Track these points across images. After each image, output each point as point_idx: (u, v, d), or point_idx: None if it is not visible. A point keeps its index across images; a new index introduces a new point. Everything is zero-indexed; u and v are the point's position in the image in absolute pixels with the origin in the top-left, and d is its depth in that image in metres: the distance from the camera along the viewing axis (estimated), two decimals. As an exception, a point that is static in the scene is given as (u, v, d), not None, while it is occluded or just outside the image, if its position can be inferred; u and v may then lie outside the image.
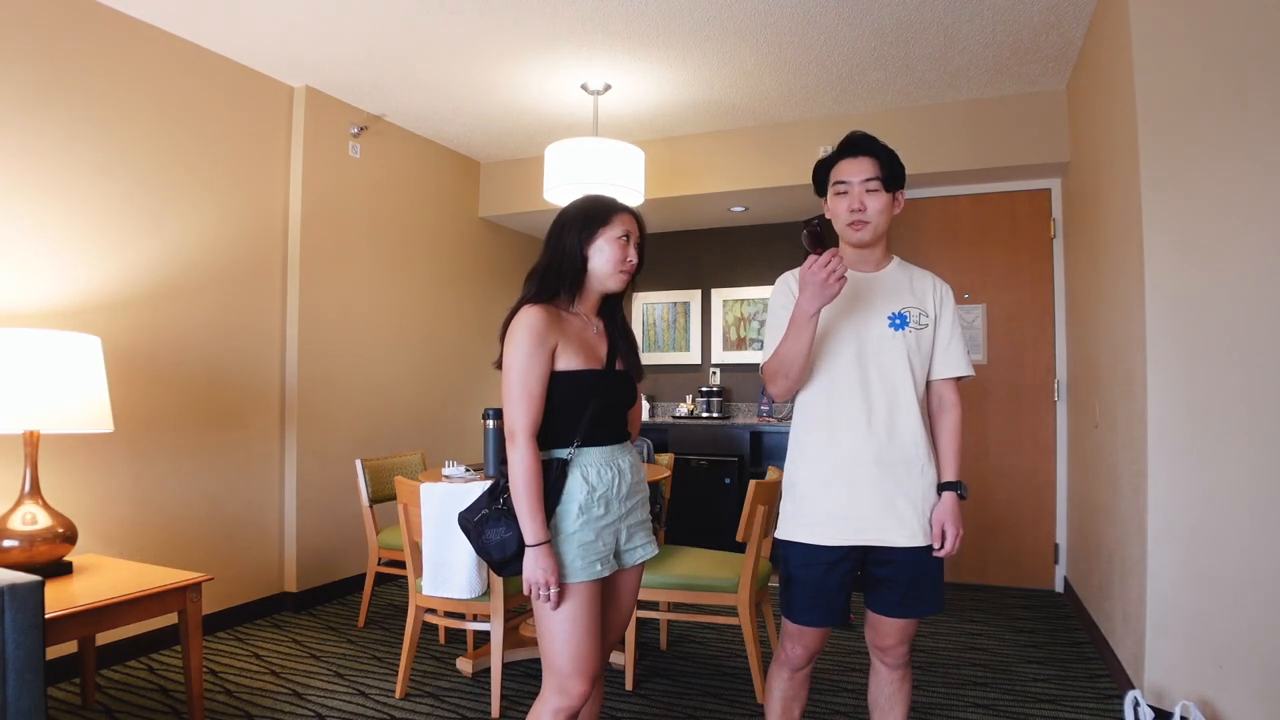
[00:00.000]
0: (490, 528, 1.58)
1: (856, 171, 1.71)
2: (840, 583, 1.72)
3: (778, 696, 1.84)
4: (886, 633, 1.76)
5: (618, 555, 1.66)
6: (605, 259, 1.64)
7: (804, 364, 1.66)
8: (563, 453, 1.60)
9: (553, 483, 1.57)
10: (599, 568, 1.58)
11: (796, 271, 1.82)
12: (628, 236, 1.65)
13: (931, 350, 1.76)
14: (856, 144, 1.74)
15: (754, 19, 3.10)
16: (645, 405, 5.35)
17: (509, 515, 1.56)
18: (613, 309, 1.75)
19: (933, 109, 3.99)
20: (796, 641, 1.77)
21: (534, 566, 1.51)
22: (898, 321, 1.72)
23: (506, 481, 1.56)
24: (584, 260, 1.64)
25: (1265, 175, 2.24)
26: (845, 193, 1.72)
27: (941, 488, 1.72)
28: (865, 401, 1.69)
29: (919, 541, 1.68)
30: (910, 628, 1.75)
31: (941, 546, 1.68)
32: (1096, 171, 3.12)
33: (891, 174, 1.71)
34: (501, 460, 1.58)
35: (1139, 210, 2.39)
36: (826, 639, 1.81)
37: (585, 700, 1.56)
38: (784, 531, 1.77)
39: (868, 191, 1.70)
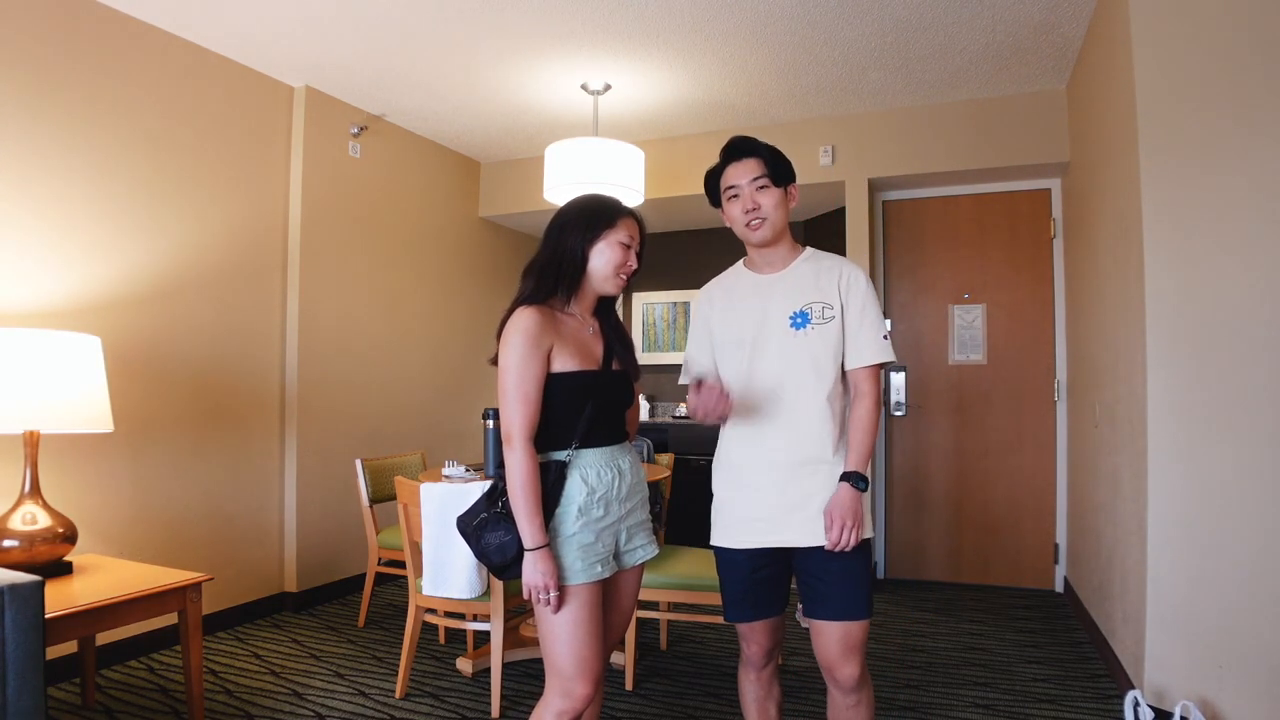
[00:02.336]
0: (489, 531, 1.57)
1: (744, 174, 1.73)
2: (765, 583, 1.74)
3: (750, 699, 1.85)
4: (824, 644, 1.68)
5: (618, 556, 1.65)
6: (606, 261, 1.63)
7: None
8: (561, 455, 1.59)
9: (551, 485, 1.56)
10: (599, 569, 1.57)
11: (709, 285, 1.90)
12: (631, 241, 1.65)
13: (844, 341, 1.72)
14: (738, 148, 1.76)
15: (754, 19, 3.10)
16: (645, 405, 5.35)
17: (508, 519, 1.55)
18: (607, 309, 1.75)
19: (933, 109, 3.99)
20: (749, 640, 1.79)
21: (533, 570, 1.51)
22: (799, 320, 1.71)
23: (505, 484, 1.56)
24: (584, 260, 1.63)
25: (1265, 175, 2.24)
26: (737, 196, 1.74)
27: (841, 478, 1.67)
28: (768, 404, 1.71)
29: (823, 541, 1.66)
30: (850, 638, 1.66)
31: (838, 540, 1.62)
32: (1096, 171, 3.12)
33: (777, 170, 1.73)
34: (500, 462, 1.58)
35: (1139, 210, 2.39)
36: (777, 635, 1.81)
37: (588, 703, 1.55)
38: (711, 536, 1.81)
39: (758, 190, 1.72)
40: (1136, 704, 2.19)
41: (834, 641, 1.68)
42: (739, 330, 1.77)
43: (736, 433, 1.77)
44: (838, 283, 1.73)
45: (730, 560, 1.76)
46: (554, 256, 1.63)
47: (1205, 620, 2.26)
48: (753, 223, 1.73)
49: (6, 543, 2.21)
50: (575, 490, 1.58)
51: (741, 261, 1.88)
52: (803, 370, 1.69)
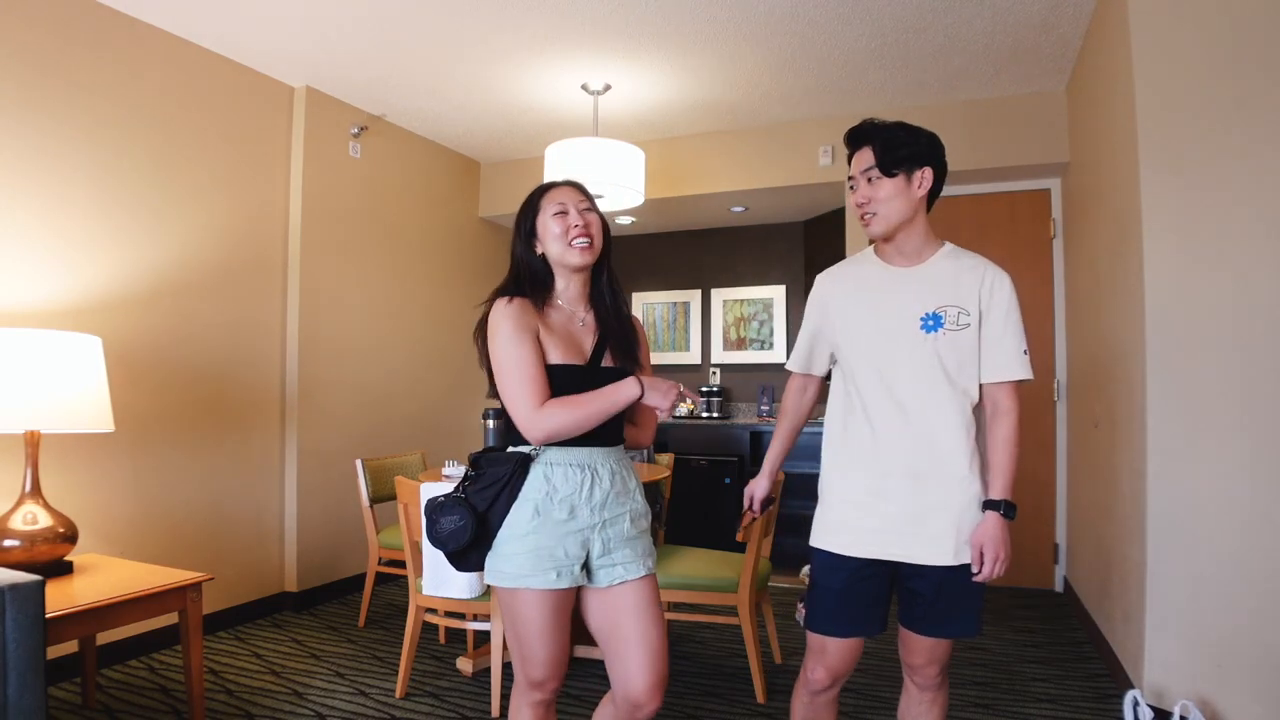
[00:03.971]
0: (445, 514, 1.49)
1: (858, 164, 1.64)
2: (866, 596, 1.62)
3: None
4: (914, 649, 1.65)
5: (589, 568, 1.53)
6: (552, 239, 1.56)
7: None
8: (527, 447, 1.53)
9: (512, 478, 1.50)
10: (554, 576, 1.47)
11: (830, 271, 1.78)
12: (564, 206, 1.58)
13: (979, 351, 1.59)
14: (852, 136, 1.66)
15: (753, 19, 3.10)
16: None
17: (466, 503, 1.49)
18: (604, 296, 1.65)
19: (933, 109, 3.99)
20: (818, 662, 1.66)
21: (651, 390, 1.48)
22: (931, 323, 1.58)
23: (476, 472, 1.53)
24: (537, 258, 1.60)
25: (1264, 175, 2.24)
26: (854, 188, 1.65)
27: (986, 505, 1.55)
28: (896, 410, 1.58)
29: (950, 560, 1.55)
30: (940, 648, 1.63)
31: (981, 570, 1.53)
32: (1096, 171, 3.12)
33: (887, 159, 1.58)
34: (481, 453, 1.56)
35: (1139, 210, 2.39)
36: (852, 661, 1.66)
37: (557, 692, 1.56)
38: (813, 537, 1.69)
39: (869, 181, 1.61)
40: (1136, 703, 2.19)
41: (926, 648, 1.63)
42: (860, 324, 1.65)
43: (856, 434, 1.63)
44: (979, 287, 1.58)
45: (831, 564, 1.64)
46: (512, 269, 1.64)
47: (1205, 620, 2.26)
48: (864, 216, 1.62)
49: (7, 542, 2.21)
50: (534, 487, 1.49)
51: (871, 248, 1.73)
52: (934, 377, 1.57)
